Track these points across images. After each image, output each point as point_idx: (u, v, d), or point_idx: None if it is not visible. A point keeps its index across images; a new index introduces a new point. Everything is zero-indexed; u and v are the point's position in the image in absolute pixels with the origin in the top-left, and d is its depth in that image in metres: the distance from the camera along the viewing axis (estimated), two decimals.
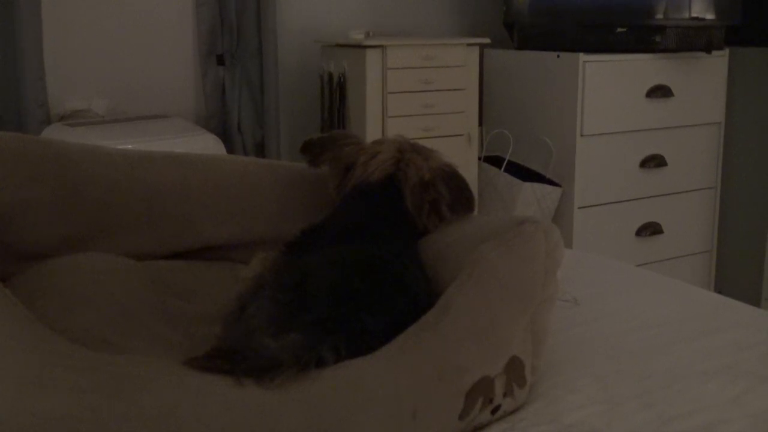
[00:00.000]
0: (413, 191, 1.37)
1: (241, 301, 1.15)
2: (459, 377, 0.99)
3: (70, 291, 1.15)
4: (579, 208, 2.90)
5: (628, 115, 2.93)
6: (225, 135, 2.89)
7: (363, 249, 1.21)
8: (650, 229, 3.05)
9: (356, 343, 1.02)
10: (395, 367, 0.98)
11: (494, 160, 3.05)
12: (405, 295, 1.14)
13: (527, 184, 2.87)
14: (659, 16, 2.90)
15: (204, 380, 0.90)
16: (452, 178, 1.40)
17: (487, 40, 2.95)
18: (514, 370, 1.05)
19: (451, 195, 1.39)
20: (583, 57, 2.81)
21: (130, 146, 2.30)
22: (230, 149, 2.84)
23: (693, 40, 2.93)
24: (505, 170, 2.96)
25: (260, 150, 2.99)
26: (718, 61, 3.06)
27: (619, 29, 2.91)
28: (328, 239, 1.26)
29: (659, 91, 2.95)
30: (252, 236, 1.50)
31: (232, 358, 0.95)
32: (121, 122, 2.63)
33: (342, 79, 2.84)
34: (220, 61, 2.94)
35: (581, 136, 2.85)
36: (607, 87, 2.88)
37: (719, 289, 3.25)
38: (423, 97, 2.81)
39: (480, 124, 3.06)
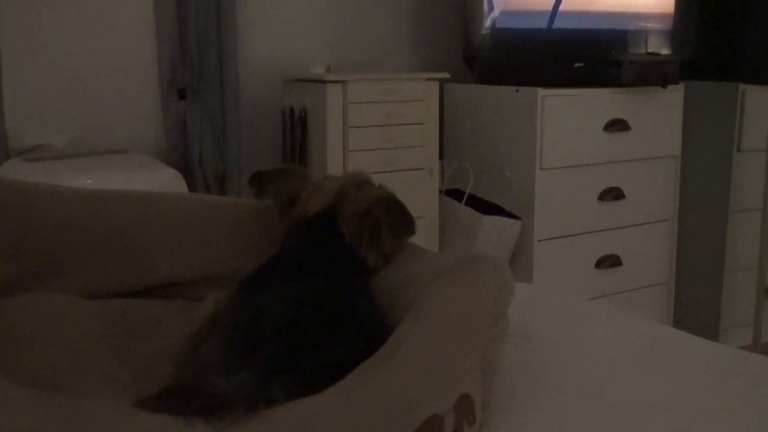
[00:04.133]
0: (350, 222, 1.37)
1: (194, 339, 1.15)
2: (409, 414, 0.99)
3: (20, 332, 1.15)
4: (539, 240, 2.92)
5: (587, 149, 2.97)
6: (186, 169, 2.88)
7: (314, 285, 1.22)
8: (609, 261, 3.08)
9: (308, 381, 1.03)
10: (346, 405, 0.98)
11: (455, 193, 3.07)
12: (357, 331, 1.15)
13: (487, 218, 2.89)
14: (616, 51, 2.96)
15: (154, 421, 0.90)
16: (389, 203, 1.41)
17: (446, 75, 2.99)
18: (464, 407, 1.05)
19: (390, 218, 1.39)
20: (541, 91, 2.85)
21: (89, 181, 2.30)
22: (191, 184, 2.83)
23: (649, 75, 2.99)
24: (466, 203, 2.98)
25: (221, 184, 2.99)
26: (674, 96, 3.11)
27: (577, 64, 2.96)
28: (279, 276, 1.27)
29: (617, 125, 2.99)
30: (207, 273, 1.50)
31: (183, 397, 0.95)
32: (80, 157, 2.62)
33: (303, 114, 2.85)
34: (182, 95, 2.94)
35: (540, 169, 2.88)
36: (566, 121, 2.92)
37: (678, 320, 3.29)
38: (384, 131, 2.83)
39: (441, 157, 3.08)
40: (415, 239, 1.44)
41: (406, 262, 1.34)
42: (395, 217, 1.40)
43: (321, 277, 1.25)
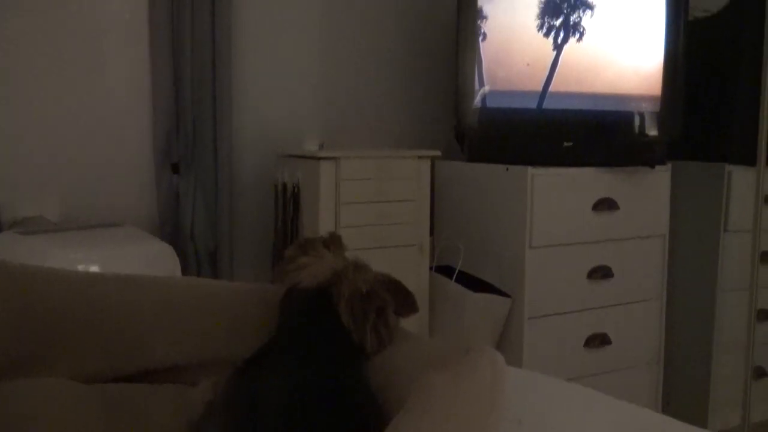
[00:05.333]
0: (352, 305, 1.37)
1: (193, 427, 1.15)
2: None
3: (18, 418, 1.15)
4: (528, 318, 2.93)
5: (576, 227, 3.00)
6: (178, 243, 2.89)
7: (311, 371, 1.22)
8: (598, 340, 3.09)
9: None
10: None
11: (445, 270, 3.08)
12: (353, 419, 1.15)
13: (477, 295, 2.91)
14: (604, 132, 3.01)
15: None
16: (391, 283, 1.42)
17: (438, 153, 3.03)
18: None
19: (395, 299, 1.41)
20: (531, 170, 2.89)
21: (81, 255, 2.31)
22: (183, 258, 2.83)
23: (637, 155, 3.04)
24: (456, 280, 2.99)
25: (213, 259, 2.99)
26: (662, 175, 3.16)
27: (566, 144, 3.01)
28: (276, 361, 1.27)
29: (605, 204, 3.03)
30: (203, 358, 1.50)
31: None
32: (73, 230, 2.62)
33: (296, 189, 2.88)
34: (175, 168, 2.97)
35: (530, 247, 2.91)
36: (555, 199, 2.95)
37: (667, 401, 3.29)
38: (376, 208, 2.86)
39: (431, 234, 3.11)
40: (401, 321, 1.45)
41: (400, 349, 1.35)
42: (399, 297, 1.41)
43: (318, 363, 1.25)
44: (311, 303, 1.40)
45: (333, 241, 1.52)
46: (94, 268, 2.23)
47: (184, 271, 2.68)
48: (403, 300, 1.43)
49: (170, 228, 2.96)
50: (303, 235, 2.86)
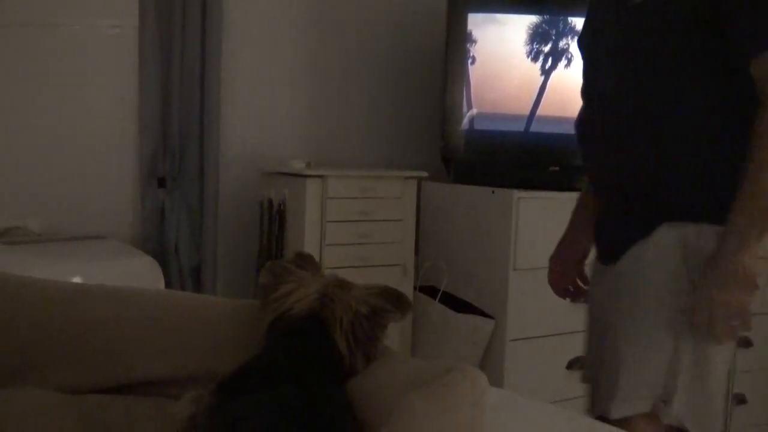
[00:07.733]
0: (353, 329, 1.33)
1: None
2: None
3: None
4: (511, 340, 2.93)
5: None
6: (161, 258, 2.88)
7: (292, 393, 1.21)
8: (581, 363, 3.08)
9: None
10: None
11: (429, 291, 3.09)
12: None
13: (461, 316, 2.91)
14: None
15: None
16: (383, 291, 1.38)
17: (424, 174, 3.04)
18: None
19: (393, 304, 1.37)
20: (516, 193, 2.90)
21: (64, 267, 2.30)
22: (166, 273, 2.82)
23: None
24: (440, 301, 3.00)
25: (196, 274, 2.98)
26: None
27: (552, 168, 3.02)
28: (260, 380, 1.25)
29: None
30: (185, 372, 1.50)
31: None
32: (56, 242, 2.62)
33: (282, 206, 2.88)
34: (161, 183, 2.96)
35: (514, 269, 2.91)
36: (539, 223, 2.95)
37: None
38: (361, 227, 2.87)
39: (416, 254, 3.11)
40: (388, 336, 1.43)
41: (383, 368, 1.34)
42: (397, 302, 1.38)
43: (300, 384, 1.23)
44: (301, 326, 1.36)
45: (305, 261, 1.49)
46: (77, 280, 2.23)
47: (168, 285, 2.67)
48: (400, 302, 1.40)
49: (154, 242, 2.95)
50: (288, 252, 2.85)
